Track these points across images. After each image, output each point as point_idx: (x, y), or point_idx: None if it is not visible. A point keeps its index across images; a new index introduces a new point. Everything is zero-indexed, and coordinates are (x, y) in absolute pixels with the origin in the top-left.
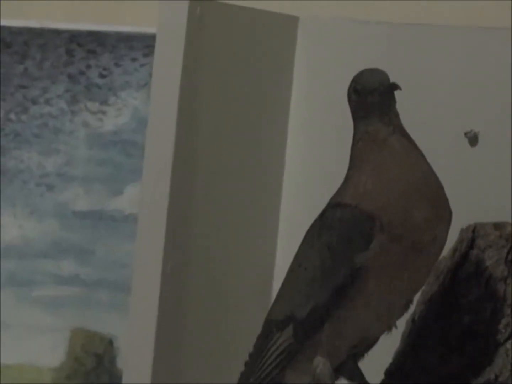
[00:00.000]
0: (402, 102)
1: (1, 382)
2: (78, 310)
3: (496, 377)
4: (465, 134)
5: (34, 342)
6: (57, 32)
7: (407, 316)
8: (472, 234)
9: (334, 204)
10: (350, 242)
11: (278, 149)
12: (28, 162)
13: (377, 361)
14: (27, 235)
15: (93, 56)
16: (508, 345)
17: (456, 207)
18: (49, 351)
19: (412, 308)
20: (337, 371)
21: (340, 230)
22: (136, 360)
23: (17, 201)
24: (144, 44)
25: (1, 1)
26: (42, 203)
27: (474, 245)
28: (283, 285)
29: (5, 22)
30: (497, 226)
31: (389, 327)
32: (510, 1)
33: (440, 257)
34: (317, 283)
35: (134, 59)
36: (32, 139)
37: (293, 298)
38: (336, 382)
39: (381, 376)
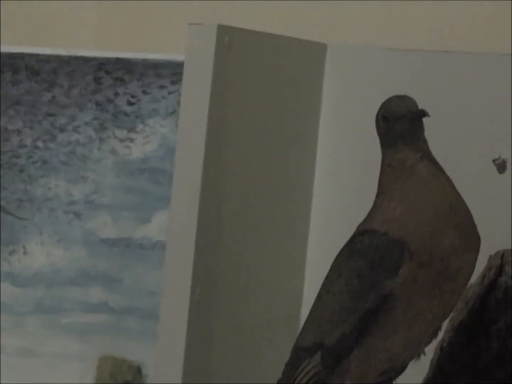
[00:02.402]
0: (431, 129)
1: None
2: (106, 338)
3: None
4: (494, 161)
5: (62, 370)
6: (85, 60)
7: (435, 343)
8: (501, 261)
9: (362, 231)
10: (378, 268)
11: (306, 176)
12: (56, 189)
13: None
14: (55, 263)
15: (121, 84)
16: None
17: (485, 233)
18: (77, 379)
19: (440, 335)
20: None
21: (369, 257)
22: None
23: (45, 229)
24: (171, 72)
25: (30, 29)
26: (70, 231)
27: (502, 272)
28: (311, 312)
29: (33, 50)
30: None
31: (417, 354)
32: None
33: (469, 284)
34: (345, 310)
35: (162, 87)
36: (60, 166)
37: (321, 325)
38: None
39: None
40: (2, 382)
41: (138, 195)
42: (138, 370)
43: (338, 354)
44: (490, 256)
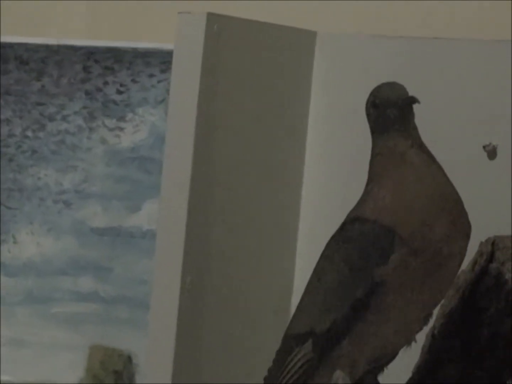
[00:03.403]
0: (421, 116)
1: None
2: (96, 327)
3: None
4: (484, 147)
5: (52, 360)
6: (74, 49)
7: (426, 330)
8: (492, 247)
9: (353, 218)
10: (369, 256)
11: (296, 164)
12: (46, 179)
13: (396, 375)
14: (45, 252)
15: (110, 73)
16: None
17: (475, 220)
18: (67, 368)
19: (431, 322)
20: None
21: (360, 244)
22: (155, 377)
23: (35, 219)
24: (161, 60)
25: (18, 19)
26: (60, 220)
27: (493, 259)
28: (302, 299)
29: (22, 39)
30: None
31: (408, 341)
32: None
33: (460, 271)
34: (336, 297)
35: (151, 75)
36: (50, 156)
37: (312, 312)
38: None
39: None
40: None
41: (128, 184)
42: (128, 359)
43: (329, 341)
44: (481, 243)
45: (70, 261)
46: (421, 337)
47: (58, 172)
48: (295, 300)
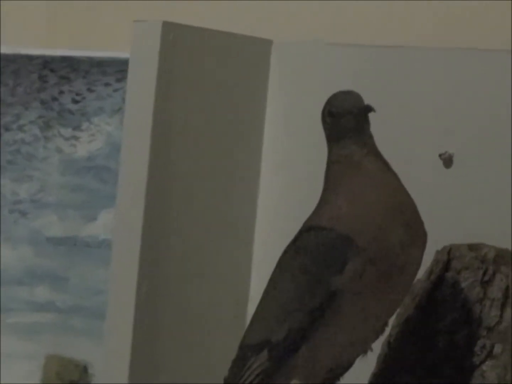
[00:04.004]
0: (377, 124)
1: None
2: (52, 337)
3: None
4: (440, 155)
5: (8, 370)
6: (30, 58)
7: (382, 339)
8: (448, 256)
9: (308, 227)
10: (325, 265)
11: (252, 173)
12: (1, 189)
13: None
14: (1, 262)
15: (66, 82)
16: (484, 367)
17: (431, 229)
18: (24, 379)
19: (387, 331)
20: None
21: (315, 253)
22: None
23: None
24: (117, 69)
25: None
26: (16, 230)
27: (449, 267)
28: (257, 308)
29: None
30: (472, 247)
31: (364, 350)
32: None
33: (416, 280)
34: (292, 306)
35: (107, 84)
36: (5, 165)
37: (268, 322)
38: None
39: None
40: None
41: (84, 193)
42: (84, 370)
43: (285, 351)
44: (437, 251)
45: (26, 270)
46: (377, 345)
47: (14, 181)
48: (252, 308)
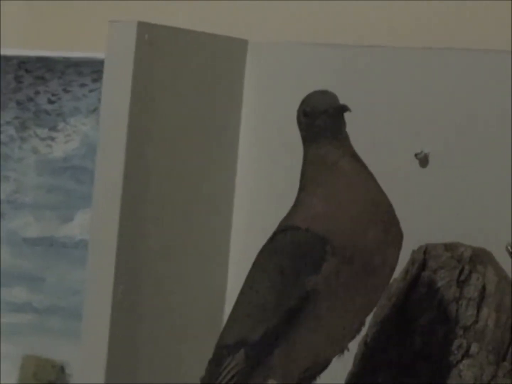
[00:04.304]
0: (352, 124)
1: None
2: (30, 338)
3: None
4: (416, 155)
5: None
6: (5, 59)
7: (359, 338)
8: (424, 255)
9: (284, 227)
10: (301, 265)
11: (228, 172)
12: None
13: None
14: None
15: (41, 82)
16: (461, 366)
17: (407, 228)
18: (1, 379)
19: (364, 331)
20: None
21: (291, 253)
22: None
23: None
24: (92, 70)
25: None
26: None
27: (425, 267)
28: (234, 309)
29: None
30: (448, 247)
31: (341, 350)
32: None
33: (392, 279)
34: (268, 306)
35: (83, 85)
36: None
37: (244, 322)
38: None
39: None
40: None
41: (60, 194)
42: (61, 370)
43: (261, 351)
44: (413, 251)
45: (3, 271)
46: (354, 345)
47: None
48: (228, 308)
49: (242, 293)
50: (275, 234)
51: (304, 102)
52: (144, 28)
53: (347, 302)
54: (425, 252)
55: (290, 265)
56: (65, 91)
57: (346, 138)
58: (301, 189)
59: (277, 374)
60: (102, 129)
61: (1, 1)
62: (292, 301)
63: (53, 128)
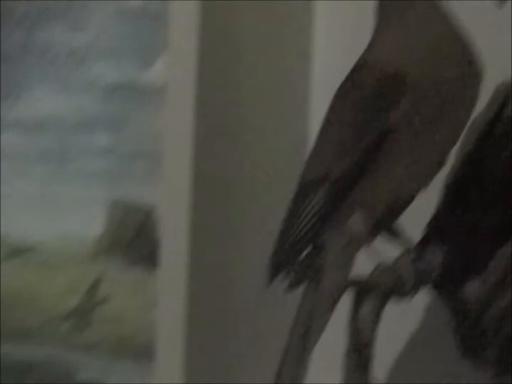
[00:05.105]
0: None
1: (41, 257)
2: (114, 183)
3: None
4: None
5: (72, 215)
6: None
7: (441, 176)
8: (506, 92)
9: (362, 62)
10: (379, 101)
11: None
12: (57, 38)
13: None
14: (59, 110)
15: None
16: None
17: (489, 64)
18: (87, 224)
19: (447, 167)
20: (375, 229)
21: (369, 89)
22: (172, 229)
23: (48, 78)
24: None
25: None
26: (72, 78)
27: (509, 102)
28: (314, 147)
29: None
30: None
31: (425, 184)
32: None
33: (474, 115)
34: (349, 141)
35: None
36: (60, 14)
37: (326, 156)
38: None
39: None
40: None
41: (140, 40)
42: (148, 213)
43: (344, 184)
44: (497, 85)
45: (86, 118)
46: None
47: (66, 32)
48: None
49: (322, 131)
50: (353, 70)
51: None
52: None
53: (427, 138)
54: (507, 88)
55: (369, 101)
56: None
57: None
58: (377, 23)
59: (360, 209)
60: None
61: None
62: (372, 136)
63: None
